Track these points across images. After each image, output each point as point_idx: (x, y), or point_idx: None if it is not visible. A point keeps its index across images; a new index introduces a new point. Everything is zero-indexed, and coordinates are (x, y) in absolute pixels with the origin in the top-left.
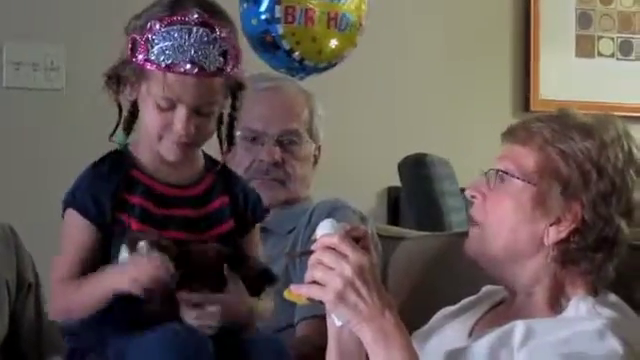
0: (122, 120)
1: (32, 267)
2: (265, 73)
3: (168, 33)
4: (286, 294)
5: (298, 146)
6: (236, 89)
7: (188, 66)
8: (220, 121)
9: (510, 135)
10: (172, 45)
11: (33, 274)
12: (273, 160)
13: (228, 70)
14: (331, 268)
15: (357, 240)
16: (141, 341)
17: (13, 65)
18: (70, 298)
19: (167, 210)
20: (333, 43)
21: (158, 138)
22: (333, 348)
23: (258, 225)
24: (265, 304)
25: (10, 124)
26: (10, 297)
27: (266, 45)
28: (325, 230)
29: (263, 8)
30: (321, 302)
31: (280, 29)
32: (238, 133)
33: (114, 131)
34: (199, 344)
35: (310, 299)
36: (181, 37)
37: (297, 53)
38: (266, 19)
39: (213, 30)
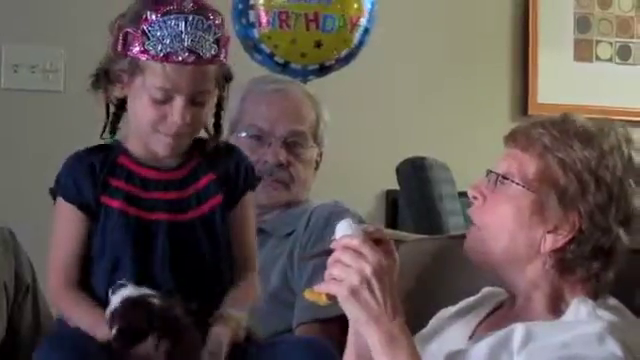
0: (109, 120)
1: (30, 270)
2: (272, 75)
3: (164, 22)
4: (307, 294)
5: (303, 149)
6: (225, 80)
7: (186, 54)
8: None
9: (511, 139)
10: (169, 34)
11: (31, 277)
12: (278, 161)
13: (222, 57)
14: (349, 266)
15: (377, 242)
16: None
17: (11, 67)
18: (68, 311)
19: (152, 194)
20: (319, 44)
21: (152, 131)
22: (351, 345)
23: (251, 196)
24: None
25: (8, 126)
26: (8, 300)
27: (250, 49)
28: (344, 231)
29: (240, 13)
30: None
31: (256, 33)
32: (243, 134)
33: (103, 131)
34: None
35: (330, 298)
36: (177, 26)
37: (278, 56)
38: (243, 24)
39: (208, 18)
